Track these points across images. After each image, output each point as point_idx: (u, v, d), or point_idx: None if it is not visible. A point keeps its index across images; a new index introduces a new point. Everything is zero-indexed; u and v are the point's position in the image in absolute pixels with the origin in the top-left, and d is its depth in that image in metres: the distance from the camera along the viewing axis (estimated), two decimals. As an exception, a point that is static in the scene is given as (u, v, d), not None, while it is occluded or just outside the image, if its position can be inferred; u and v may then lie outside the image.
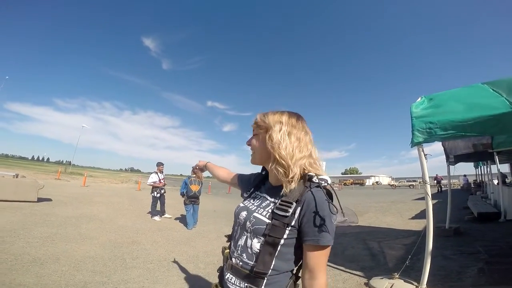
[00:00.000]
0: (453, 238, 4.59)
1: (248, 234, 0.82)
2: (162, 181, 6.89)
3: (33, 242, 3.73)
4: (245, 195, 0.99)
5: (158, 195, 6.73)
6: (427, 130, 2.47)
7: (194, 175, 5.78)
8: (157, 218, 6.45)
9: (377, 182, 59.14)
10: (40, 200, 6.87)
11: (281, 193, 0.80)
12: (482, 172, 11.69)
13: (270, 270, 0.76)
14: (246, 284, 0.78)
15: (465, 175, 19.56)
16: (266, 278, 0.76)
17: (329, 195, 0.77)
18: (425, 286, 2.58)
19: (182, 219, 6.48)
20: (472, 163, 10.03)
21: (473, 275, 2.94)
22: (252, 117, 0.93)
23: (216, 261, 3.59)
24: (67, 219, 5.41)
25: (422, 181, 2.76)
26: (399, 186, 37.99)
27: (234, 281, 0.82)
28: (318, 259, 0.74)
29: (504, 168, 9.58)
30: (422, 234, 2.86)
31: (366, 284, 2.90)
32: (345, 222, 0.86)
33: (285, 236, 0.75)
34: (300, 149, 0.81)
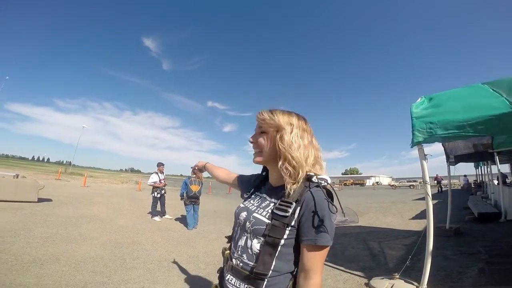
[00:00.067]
0: (454, 238, 4.58)
1: (248, 235, 0.82)
2: (162, 181, 6.89)
3: (33, 242, 3.73)
4: (245, 195, 0.99)
5: (159, 195, 6.73)
6: (427, 130, 2.47)
7: (194, 176, 5.79)
8: (157, 218, 6.45)
9: (377, 182, 59.03)
10: (40, 200, 6.87)
11: (282, 194, 0.80)
12: (483, 172, 11.68)
13: (270, 271, 0.75)
14: (246, 286, 0.78)
15: (465, 175, 19.57)
16: (266, 280, 0.76)
17: (329, 195, 0.77)
18: (426, 286, 2.58)
19: (183, 220, 6.48)
20: (473, 163, 10.01)
21: (473, 275, 2.94)
22: (252, 117, 0.92)
23: (216, 261, 3.59)
24: (68, 219, 5.41)
25: (423, 181, 2.76)
26: (400, 186, 37.86)
27: (234, 282, 0.82)
28: (315, 259, 0.73)
29: (505, 168, 9.61)
30: (423, 234, 2.86)
31: (367, 284, 2.89)
32: (346, 222, 0.85)
33: (285, 237, 0.75)
34: (311, 152, 0.83)
